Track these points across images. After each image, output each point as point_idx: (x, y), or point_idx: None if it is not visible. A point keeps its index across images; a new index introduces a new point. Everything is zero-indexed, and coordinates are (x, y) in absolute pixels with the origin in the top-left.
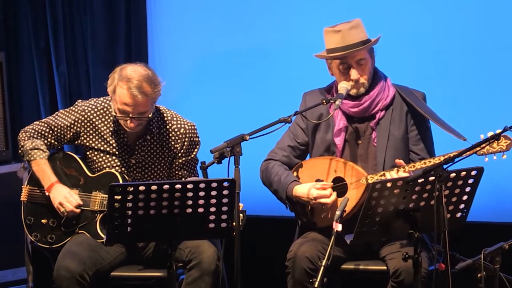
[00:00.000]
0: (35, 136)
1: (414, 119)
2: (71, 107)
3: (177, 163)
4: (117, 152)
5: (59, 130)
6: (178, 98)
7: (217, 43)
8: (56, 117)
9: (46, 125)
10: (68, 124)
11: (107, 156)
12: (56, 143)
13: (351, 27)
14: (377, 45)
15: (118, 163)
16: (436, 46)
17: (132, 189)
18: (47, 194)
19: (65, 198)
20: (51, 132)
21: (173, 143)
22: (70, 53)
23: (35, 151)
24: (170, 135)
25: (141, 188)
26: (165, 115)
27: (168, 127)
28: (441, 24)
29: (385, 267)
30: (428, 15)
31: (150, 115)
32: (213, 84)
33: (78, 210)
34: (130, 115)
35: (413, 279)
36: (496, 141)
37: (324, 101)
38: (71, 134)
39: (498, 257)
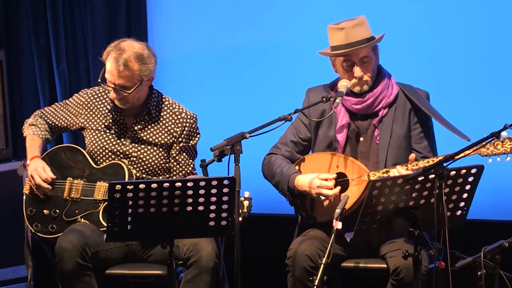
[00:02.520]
0: (41, 115)
1: (417, 118)
2: (79, 93)
3: (177, 147)
4: (113, 131)
5: (65, 112)
6: (178, 96)
7: (217, 41)
8: (68, 102)
9: (55, 107)
10: (74, 107)
11: (104, 135)
12: (59, 124)
13: (355, 24)
14: (380, 43)
15: (114, 143)
16: (436, 45)
17: (132, 187)
18: (26, 168)
19: (36, 170)
20: (57, 113)
21: (173, 126)
22: (71, 51)
23: (32, 127)
24: (171, 117)
25: (141, 186)
26: (167, 99)
27: (169, 110)
28: (442, 23)
29: (385, 265)
30: (428, 14)
31: (129, 92)
32: (213, 82)
33: (46, 185)
34: (113, 86)
35: (413, 277)
36: (500, 143)
37: (324, 99)
38: (73, 117)
39: (498, 255)
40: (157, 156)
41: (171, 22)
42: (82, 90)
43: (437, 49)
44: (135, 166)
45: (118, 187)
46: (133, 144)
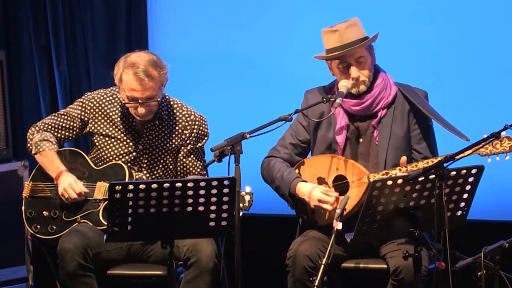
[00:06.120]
0: (45, 129)
1: (417, 118)
2: (80, 98)
3: (185, 150)
4: (125, 137)
5: (69, 118)
6: (178, 97)
7: (218, 42)
8: (67, 109)
9: (55, 117)
10: (78, 112)
11: (115, 142)
12: (67, 133)
13: (348, 25)
14: (377, 44)
15: (125, 149)
16: (435, 44)
17: (132, 187)
18: (55, 183)
19: (70, 184)
20: (61, 122)
21: (182, 129)
22: (71, 52)
23: (44, 142)
24: (180, 120)
25: (142, 186)
26: (175, 102)
27: (178, 113)
28: (440, 22)
29: (385, 266)
30: (427, 14)
31: (158, 99)
32: (214, 83)
33: (81, 198)
34: (139, 101)
35: (413, 277)
36: (499, 142)
37: (324, 99)
38: (80, 122)
39: (498, 256)
40: (167, 162)
41: (171, 23)
42: (86, 95)
43: (436, 48)
44: (145, 171)
45: (118, 187)
46: (144, 151)
